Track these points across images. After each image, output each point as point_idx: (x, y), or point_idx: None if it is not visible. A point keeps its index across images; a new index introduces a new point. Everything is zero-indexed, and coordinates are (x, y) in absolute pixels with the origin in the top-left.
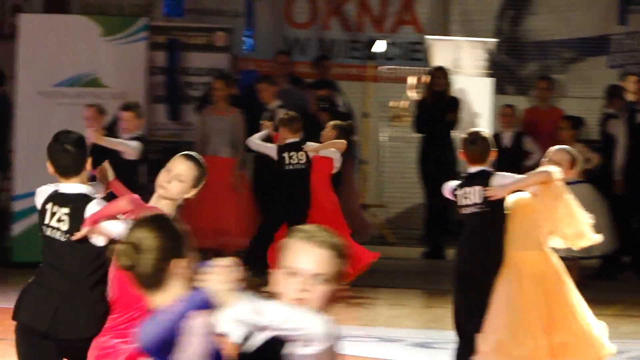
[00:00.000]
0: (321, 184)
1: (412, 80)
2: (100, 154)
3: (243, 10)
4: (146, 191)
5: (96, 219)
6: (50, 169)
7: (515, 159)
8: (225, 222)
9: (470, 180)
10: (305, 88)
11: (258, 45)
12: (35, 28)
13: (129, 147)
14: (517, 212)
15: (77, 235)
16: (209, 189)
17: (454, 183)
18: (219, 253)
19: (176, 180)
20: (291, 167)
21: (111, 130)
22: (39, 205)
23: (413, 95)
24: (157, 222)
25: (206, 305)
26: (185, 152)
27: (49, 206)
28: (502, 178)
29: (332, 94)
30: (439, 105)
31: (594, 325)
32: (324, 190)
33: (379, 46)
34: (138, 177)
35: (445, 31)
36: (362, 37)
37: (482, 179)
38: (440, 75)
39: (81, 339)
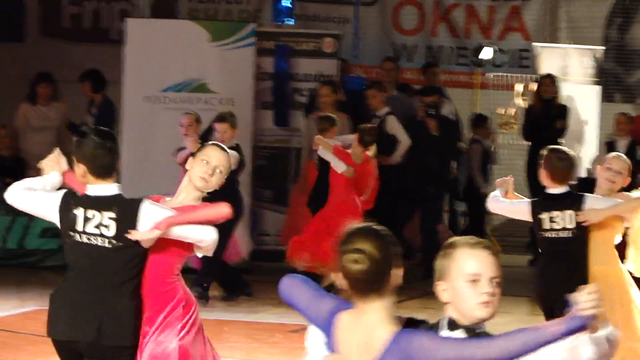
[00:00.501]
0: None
1: (519, 87)
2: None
3: (351, 16)
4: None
5: (176, 222)
6: (80, 170)
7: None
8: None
9: (557, 203)
10: (412, 95)
11: (365, 52)
12: (142, 33)
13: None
14: (598, 229)
15: (141, 237)
16: None
17: (518, 201)
18: None
19: (217, 171)
20: None
21: (205, 139)
22: (53, 213)
23: (520, 102)
24: (380, 231)
25: (583, 328)
26: (215, 142)
27: (79, 211)
28: (595, 201)
29: (440, 101)
30: (547, 113)
31: None
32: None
33: (487, 53)
34: (237, 186)
35: (552, 38)
36: (470, 44)
37: (572, 202)
38: (549, 82)
39: (125, 347)
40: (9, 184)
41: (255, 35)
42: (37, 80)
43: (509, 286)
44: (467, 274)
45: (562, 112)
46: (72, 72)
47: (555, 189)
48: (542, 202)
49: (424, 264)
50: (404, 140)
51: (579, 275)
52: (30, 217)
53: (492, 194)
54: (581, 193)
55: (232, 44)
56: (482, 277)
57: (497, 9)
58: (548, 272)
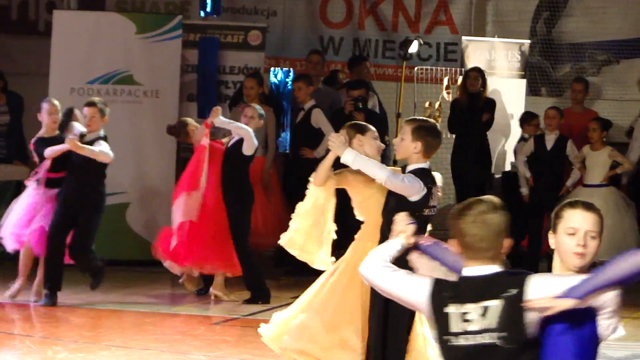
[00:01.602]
0: None
1: (446, 80)
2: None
3: (279, 9)
4: None
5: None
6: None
7: (557, 163)
8: (255, 221)
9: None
10: (339, 88)
11: (292, 44)
12: (69, 25)
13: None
14: None
15: None
16: None
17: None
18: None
19: None
20: None
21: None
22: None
23: (446, 95)
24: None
25: None
26: None
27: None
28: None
29: (367, 95)
30: (473, 106)
31: None
32: None
33: (414, 46)
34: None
35: (480, 32)
36: (397, 37)
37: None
38: (475, 75)
39: None
40: None
41: (181, 27)
42: None
43: None
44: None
45: (488, 105)
46: None
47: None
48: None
49: None
50: (330, 134)
51: None
52: None
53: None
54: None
55: (158, 36)
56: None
57: (425, 3)
58: None
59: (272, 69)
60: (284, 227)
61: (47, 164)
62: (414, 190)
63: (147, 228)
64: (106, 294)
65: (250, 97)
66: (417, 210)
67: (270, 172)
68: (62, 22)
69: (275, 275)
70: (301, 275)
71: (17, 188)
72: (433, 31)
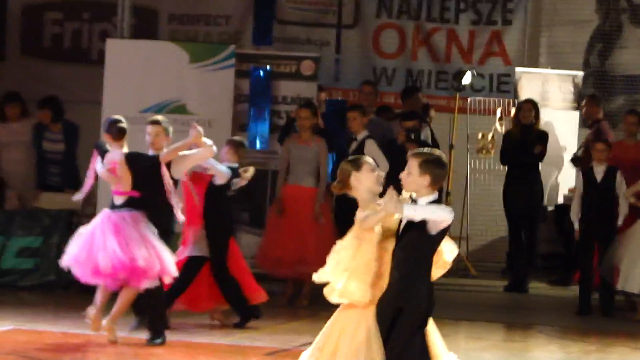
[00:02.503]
0: None
1: (499, 112)
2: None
3: (331, 39)
4: None
5: None
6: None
7: (607, 195)
8: (306, 251)
9: None
10: (391, 118)
11: (345, 75)
12: (122, 53)
13: None
14: None
15: None
16: (291, 218)
17: None
18: (299, 283)
19: None
20: None
21: None
22: None
23: (499, 127)
24: None
25: None
26: None
27: None
28: None
29: (420, 125)
30: (526, 138)
31: None
32: None
33: (467, 78)
34: None
35: (533, 63)
36: (450, 68)
37: None
38: (528, 107)
39: None
40: None
41: (234, 57)
42: (5, 100)
43: (485, 311)
44: None
45: (540, 137)
46: (52, 91)
47: None
48: None
49: None
50: (383, 165)
51: None
52: (7, 236)
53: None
54: None
55: (211, 65)
56: None
57: (478, 34)
58: None
59: (327, 99)
60: None
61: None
62: (449, 219)
63: None
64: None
65: (304, 127)
66: (439, 241)
67: (322, 202)
68: (115, 51)
69: (327, 305)
70: None
71: (69, 217)
72: (486, 62)
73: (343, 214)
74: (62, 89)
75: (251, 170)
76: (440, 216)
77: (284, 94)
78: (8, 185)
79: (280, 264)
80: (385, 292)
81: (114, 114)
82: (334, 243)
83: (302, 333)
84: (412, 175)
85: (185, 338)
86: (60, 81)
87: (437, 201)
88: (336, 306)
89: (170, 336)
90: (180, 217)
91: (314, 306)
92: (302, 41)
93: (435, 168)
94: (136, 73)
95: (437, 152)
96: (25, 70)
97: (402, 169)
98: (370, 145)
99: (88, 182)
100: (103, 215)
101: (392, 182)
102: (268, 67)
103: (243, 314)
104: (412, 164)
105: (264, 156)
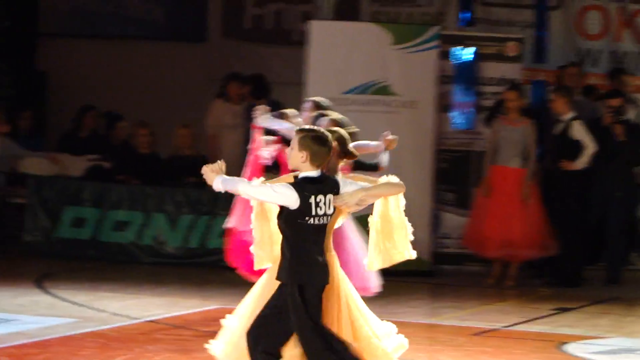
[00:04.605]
0: None
1: None
2: None
3: (534, 20)
4: None
5: None
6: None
7: None
8: (513, 232)
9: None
10: (596, 99)
11: (548, 56)
12: (325, 35)
13: None
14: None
15: None
16: (497, 199)
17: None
18: (505, 264)
19: None
20: None
21: None
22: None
23: None
24: None
25: None
26: None
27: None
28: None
29: (625, 105)
30: None
31: None
32: None
33: None
34: None
35: None
36: None
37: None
38: None
39: None
40: (190, 183)
41: (438, 38)
42: (228, 80)
43: None
44: None
45: None
46: (253, 72)
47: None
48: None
49: (607, 269)
50: (591, 146)
51: None
52: (213, 216)
53: None
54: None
55: (415, 46)
56: None
57: None
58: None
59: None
60: (543, 240)
61: None
62: (282, 199)
63: None
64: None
65: (511, 109)
66: (299, 218)
67: (530, 184)
68: (318, 32)
69: (534, 287)
70: (559, 286)
71: None
72: None
73: (550, 195)
74: (263, 70)
75: None
76: (236, 190)
77: (488, 75)
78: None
79: (487, 244)
80: None
81: (317, 95)
82: (541, 224)
83: (509, 314)
84: (293, 150)
85: (393, 318)
86: (261, 62)
87: (314, 179)
88: None
89: (379, 316)
90: None
91: (521, 287)
92: (505, 22)
93: (314, 145)
94: (339, 54)
95: (321, 130)
96: (226, 51)
97: (607, 149)
98: (578, 126)
99: None
100: None
101: (596, 162)
102: (473, 48)
103: None
104: (294, 140)
105: (468, 137)
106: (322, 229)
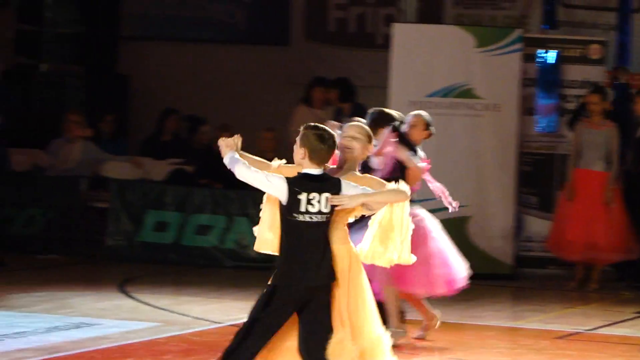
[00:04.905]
0: None
1: None
2: None
3: (617, 23)
4: None
5: None
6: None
7: None
8: (596, 236)
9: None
10: None
11: (632, 59)
12: (409, 38)
13: None
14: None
15: None
16: (580, 203)
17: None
18: (588, 267)
19: None
20: None
21: None
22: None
23: None
24: None
25: None
26: None
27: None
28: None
29: None
30: None
31: None
32: None
33: None
34: None
35: None
36: None
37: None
38: None
39: None
40: None
41: (521, 41)
42: (313, 85)
43: None
44: None
45: None
46: (336, 76)
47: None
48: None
49: None
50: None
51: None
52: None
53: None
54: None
55: (498, 49)
56: None
57: None
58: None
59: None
60: (625, 243)
61: None
62: (272, 189)
63: (487, 241)
64: (446, 307)
65: (595, 112)
66: (287, 214)
67: (613, 187)
68: (402, 35)
69: (616, 290)
70: None
71: None
72: None
73: (633, 198)
74: (346, 73)
75: None
76: (252, 180)
77: (571, 77)
78: None
79: (570, 247)
80: None
81: (400, 98)
82: (624, 227)
83: (592, 317)
84: (296, 146)
85: (476, 322)
86: (344, 66)
87: (310, 176)
88: None
89: (462, 319)
90: None
91: (603, 290)
92: (588, 25)
93: (313, 142)
94: (422, 57)
95: (324, 128)
96: (309, 55)
97: None
98: None
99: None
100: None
101: None
102: (556, 51)
103: None
104: (298, 136)
105: (551, 140)
106: (319, 227)
